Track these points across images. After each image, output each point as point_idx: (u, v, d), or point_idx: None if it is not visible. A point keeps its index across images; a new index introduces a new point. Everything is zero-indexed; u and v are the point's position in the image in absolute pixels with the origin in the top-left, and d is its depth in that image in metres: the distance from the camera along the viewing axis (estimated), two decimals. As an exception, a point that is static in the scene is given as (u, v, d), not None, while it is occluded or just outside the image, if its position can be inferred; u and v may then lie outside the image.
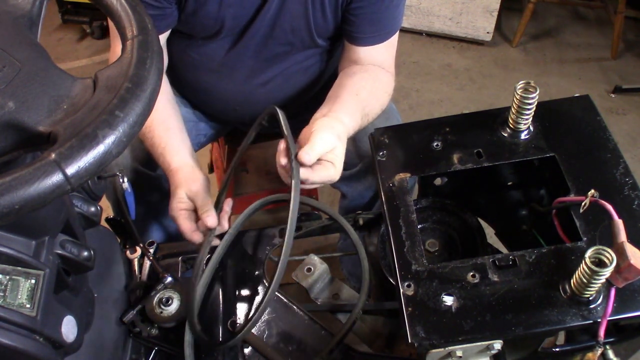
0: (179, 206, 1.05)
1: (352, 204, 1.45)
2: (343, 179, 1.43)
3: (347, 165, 1.38)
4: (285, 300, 1.05)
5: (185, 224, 1.05)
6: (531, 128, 0.95)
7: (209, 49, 1.24)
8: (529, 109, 0.91)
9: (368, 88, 1.13)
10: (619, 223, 0.77)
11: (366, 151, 1.28)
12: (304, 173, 0.94)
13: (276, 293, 1.06)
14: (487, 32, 2.77)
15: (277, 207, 2.11)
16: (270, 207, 2.10)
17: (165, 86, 1.22)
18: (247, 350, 1.00)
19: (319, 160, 0.97)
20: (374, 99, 1.14)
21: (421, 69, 2.73)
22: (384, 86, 1.19)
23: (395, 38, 1.22)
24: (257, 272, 1.11)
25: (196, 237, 1.05)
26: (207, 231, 1.04)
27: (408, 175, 0.94)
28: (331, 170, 0.98)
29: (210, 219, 1.03)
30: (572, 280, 0.75)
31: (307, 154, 0.93)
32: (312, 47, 1.24)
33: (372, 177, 1.34)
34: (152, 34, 0.61)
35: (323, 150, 0.96)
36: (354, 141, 1.28)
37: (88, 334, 0.81)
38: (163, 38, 1.19)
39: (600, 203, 0.81)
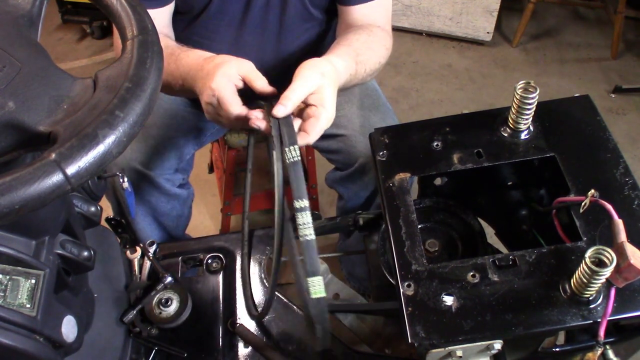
0: (225, 77, 0.89)
1: (348, 205, 1.45)
2: (338, 180, 1.43)
3: (341, 167, 1.39)
4: (285, 300, 1.05)
5: (234, 97, 0.89)
6: (531, 128, 0.95)
7: (211, 28, 1.23)
8: (529, 109, 0.91)
9: (362, 40, 1.09)
10: (619, 223, 0.77)
11: (360, 152, 1.28)
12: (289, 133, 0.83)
13: (276, 293, 1.06)
14: (487, 32, 2.77)
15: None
16: (270, 207, 2.09)
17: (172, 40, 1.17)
18: (247, 350, 1.01)
19: (306, 107, 0.88)
20: (369, 48, 1.09)
21: (421, 69, 2.72)
22: (380, 39, 1.15)
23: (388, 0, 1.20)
24: (257, 272, 1.11)
25: (244, 110, 0.89)
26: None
27: (408, 175, 0.94)
28: (323, 116, 0.87)
29: (267, 86, 0.89)
30: (572, 280, 0.75)
31: (287, 99, 0.83)
32: (308, 19, 1.23)
33: (367, 178, 1.34)
34: (152, 34, 0.61)
35: (306, 91, 0.86)
36: (348, 142, 1.28)
37: (88, 334, 0.81)
38: (168, 12, 1.16)
39: (600, 203, 0.81)
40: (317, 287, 0.75)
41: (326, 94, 0.88)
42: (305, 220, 0.76)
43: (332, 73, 0.92)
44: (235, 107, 0.89)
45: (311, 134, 0.87)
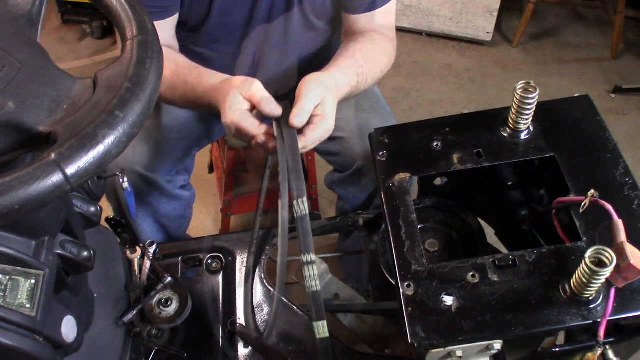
0: (234, 106, 0.91)
1: (347, 206, 1.45)
2: (337, 181, 1.43)
3: (340, 168, 1.39)
4: (285, 300, 1.05)
5: (248, 121, 0.91)
6: (531, 128, 0.95)
7: (213, 40, 1.23)
8: (529, 109, 0.91)
9: (364, 50, 1.11)
10: (619, 223, 0.77)
11: (358, 155, 1.28)
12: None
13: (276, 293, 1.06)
14: (487, 32, 2.77)
15: (276, 207, 2.11)
16: (269, 207, 2.10)
17: (177, 52, 1.19)
18: (247, 350, 1.01)
19: (309, 118, 0.92)
20: (370, 58, 1.11)
21: (421, 69, 2.72)
22: (382, 48, 1.17)
23: (392, 5, 1.22)
24: (257, 273, 1.11)
25: (263, 129, 0.92)
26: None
27: (408, 175, 0.94)
28: (323, 125, 0.92)
29: (273, 106, 0.90)
30: (572, 280, 0.75)
31: (298, 116, 0.88)
32: (311, 30, 1.23)
33: (365, 180, 1.34)
34: (152, 34, 0.61)
35: (315, 103, 0.91)
36: (346, 145, 1.28)
37: (88, 334, 0.81)
38: (172, 23, 1.16)
39: (600, 203, 0.81)
40: (321, 330, 0.84)
41: (328, 105, 0.94)
42: (311, 273, 0.82)
43: (334, 87, 0.97)
44: (254, 130, 0.92)
45: (307, 136, 0.92)
